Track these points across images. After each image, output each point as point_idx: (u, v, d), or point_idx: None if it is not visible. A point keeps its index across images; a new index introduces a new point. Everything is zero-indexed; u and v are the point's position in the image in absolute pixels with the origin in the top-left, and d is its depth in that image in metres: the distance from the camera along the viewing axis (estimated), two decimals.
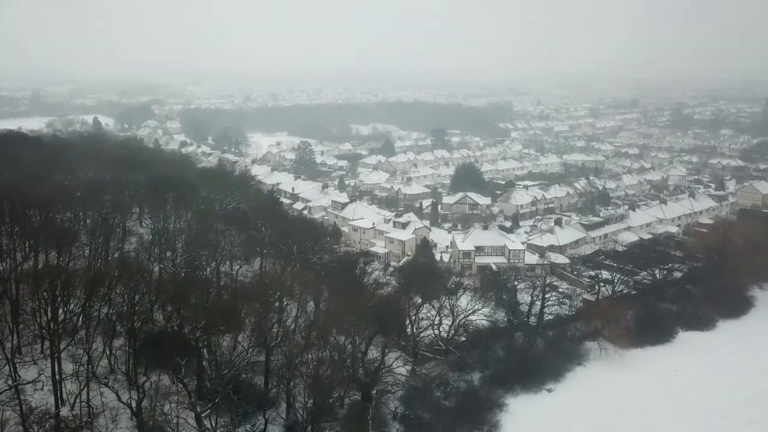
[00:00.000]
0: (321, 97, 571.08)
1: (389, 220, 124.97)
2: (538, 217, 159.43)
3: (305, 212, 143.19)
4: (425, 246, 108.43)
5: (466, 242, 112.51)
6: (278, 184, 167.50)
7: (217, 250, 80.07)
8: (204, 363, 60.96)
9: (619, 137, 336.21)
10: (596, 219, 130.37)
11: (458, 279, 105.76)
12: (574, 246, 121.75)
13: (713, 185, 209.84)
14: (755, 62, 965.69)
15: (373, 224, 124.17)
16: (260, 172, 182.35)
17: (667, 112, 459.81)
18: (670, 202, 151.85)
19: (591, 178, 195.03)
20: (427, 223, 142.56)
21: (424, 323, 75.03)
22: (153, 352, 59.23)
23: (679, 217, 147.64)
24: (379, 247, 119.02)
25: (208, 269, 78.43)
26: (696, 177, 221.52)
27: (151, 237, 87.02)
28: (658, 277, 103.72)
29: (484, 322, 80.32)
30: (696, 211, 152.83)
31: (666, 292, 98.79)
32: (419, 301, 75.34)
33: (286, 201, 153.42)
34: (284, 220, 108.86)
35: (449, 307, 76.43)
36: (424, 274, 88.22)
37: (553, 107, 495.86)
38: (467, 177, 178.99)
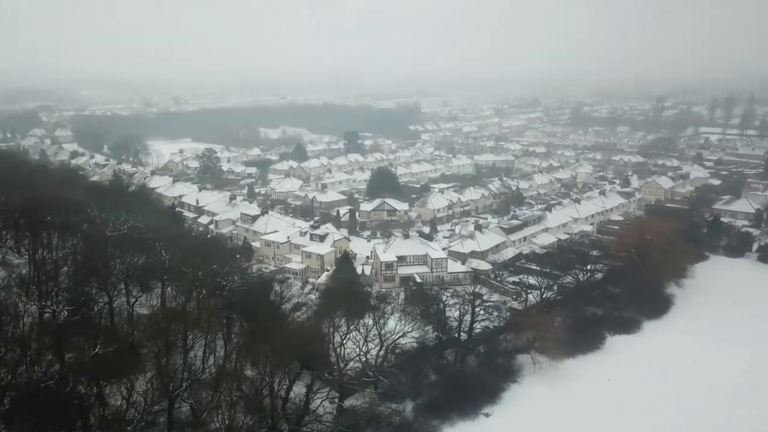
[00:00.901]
0: (227, 101, 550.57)
1: (305, 233, 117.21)
2: (455, 220, 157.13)
3: (212, 227, 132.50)
4: (346, 260, 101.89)
5: (387, 253, 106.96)
6: (181, 196, 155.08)
7: (108, 282, 69.55)
8: (92, 423, 51.24)
9: (525, 136, 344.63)
10: (515, 222, 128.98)
11: (382, 292, 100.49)
12: (495, 251, 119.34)
13: (617, 181, 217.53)
14: (642, 63, 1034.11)
15: (288, 238, 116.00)
16: (161, 183, 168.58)
17: (567, 111, 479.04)
18: (583, 201, 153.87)
19: (504, 178, 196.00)
20: (345, 232, 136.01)
21: (350, 351, 68.34)
22: (26, 416, 48.88)
23: (593, 216, 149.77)
24: (295, 263, 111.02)
25: (97, 306, 67.85)
26: (601, 174, 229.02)
27: (28, 270, 74.83)
28: (581, 280, 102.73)
29: (413, 343, 74.70)
30: (607, 209, 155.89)
31: (590, 296, 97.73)
32: (343, 328, 68.54)
33: (189, 215, 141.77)
34: (187, 239, 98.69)
35: (377, 331, 70.14)
36: (347, 294, 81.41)
37: (460, 108, 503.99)
38: (383, 182, 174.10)
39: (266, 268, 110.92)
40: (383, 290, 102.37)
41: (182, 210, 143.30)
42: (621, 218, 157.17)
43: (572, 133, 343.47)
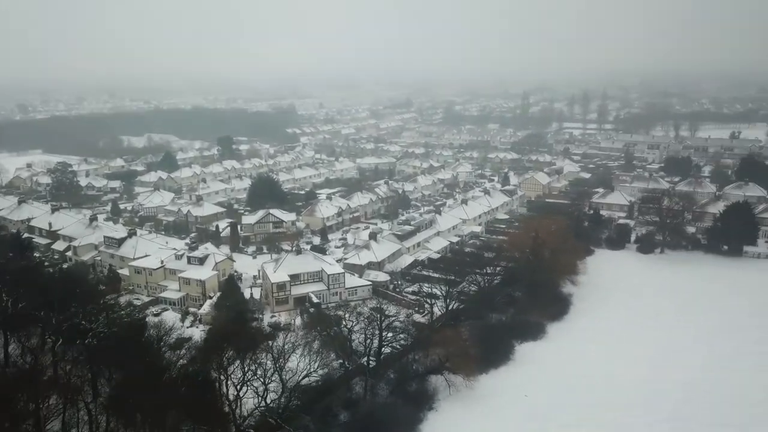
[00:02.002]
0: (83, 107, 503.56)
1: (182, 255, 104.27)
2: (345, 228, 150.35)
3: (69, 255, 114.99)
4: (231, 284, 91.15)
5: (278, 272, 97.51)
6: (30, 219, 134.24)
7: None
8: None
9: (402, 137, 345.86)
10: (408, 228, 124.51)
11: (276, 318, 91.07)
12: (392, 259, 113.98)
13: (496, 178, 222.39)
14: (507, 63, 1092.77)
15: (163, 262, 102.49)
16: (4, 205, 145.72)
17: (440, 111, 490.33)
18: (470, 201, 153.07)
19: (390, 182, 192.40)
20: (226, 249, 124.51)
21: (247, 398, 58.83)
22: None
23: (480, 216, 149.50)
24: (172, 291, 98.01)
25: None
26: (480, 172, 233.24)
27: None
28: (482, 285, 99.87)
29: (318, 380, 66.48)
30: (493, 208, 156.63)
31: (493, 302, 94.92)
32: (237, 372, 58.83)
33: (41, 242, 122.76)
34: (38, 273, 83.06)
35: (277, 373, 61.14)
36: (236, 330, 71.43)
37: (335, 110, 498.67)
38: (265, 190, 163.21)
39: (138, 300, 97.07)
40: (276, 315, 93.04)
41: (32, 236, 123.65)
42: (506, 216, 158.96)
43: (447, 132, 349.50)
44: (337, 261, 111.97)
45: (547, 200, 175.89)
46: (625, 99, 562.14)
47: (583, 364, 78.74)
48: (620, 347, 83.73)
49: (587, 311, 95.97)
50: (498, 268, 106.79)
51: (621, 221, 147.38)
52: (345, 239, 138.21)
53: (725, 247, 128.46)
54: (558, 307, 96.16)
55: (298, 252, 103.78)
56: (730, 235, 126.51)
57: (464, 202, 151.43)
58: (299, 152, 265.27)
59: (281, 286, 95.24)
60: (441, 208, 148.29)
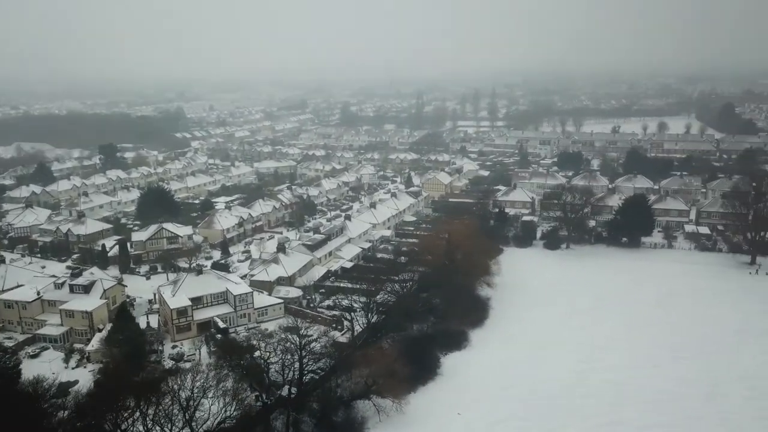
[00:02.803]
0: None
1: (63, 283, 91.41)
2: (247, 239, 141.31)
3: None
4: (124, 314, 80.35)
5: (177, 296, 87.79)
6: None
7: None
8: None
9: (301, 139, 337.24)
10: (319, 237, 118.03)
11: (178, 348, 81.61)
12: (303, 272, 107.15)
13: (398, 179, 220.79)
14: (397, 64, 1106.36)
15: (39, 294, 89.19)
16: None
17: (336, 111, 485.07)
18: (378, 205, 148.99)
19: (293, 186, 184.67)
20: (116, 271, 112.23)
21: None
22: None
23: (389, 219, 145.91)
24: (53, 327, 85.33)
25: None
26: (382, 173, 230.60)
27: None
28: (400, 293, 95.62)
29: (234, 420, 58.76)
30: (401, 210, 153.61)
31: (414, 311, 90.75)
32: (138, 426, 50.16)
33: None
34: None
35: (185, 422, 52.97)
36: (134, 365, 62.14)
37: (227, 112, 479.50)
38: (156, 202, 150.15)
39: (10, 339, 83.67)
40: (179, 345, 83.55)
41: None
42: (414, 218, 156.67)
43: (345, 133, 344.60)
44: (242, 278, 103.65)
45: (450, 200, 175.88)
46: (512, 97, 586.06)
47: (510, 372, 76.52)
48: (544, 351, 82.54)
49: (506, 314, 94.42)
50: (413, 274, 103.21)
51: (525, 218, 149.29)
52: (249, 252, 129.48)
53: (625, 240, 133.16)
54: (478, 312, 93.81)
55: (199, 272, 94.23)
56: (629, 228, 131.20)
57: (373, 205, 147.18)
58: (191, 158, 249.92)
59: (182, 312, 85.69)
60: (350, 213, 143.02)
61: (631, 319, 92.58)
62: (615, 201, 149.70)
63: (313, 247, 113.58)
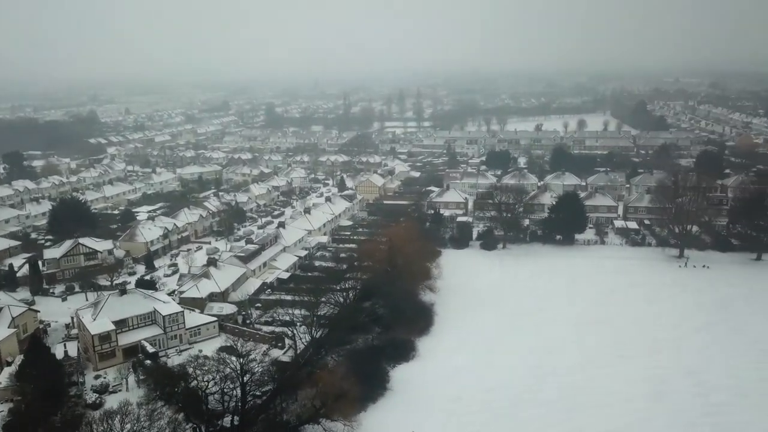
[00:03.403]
0: None
1: None
2: (174, 251, 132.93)
3: None
4: (37, 344, 71.69)
5: (99, 319, 79.89)
6: None
7: None
8: None
9: (225, 142, 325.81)
10: (252, 247, 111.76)
11: (102, 379, 73.99)
12: (237, 286, 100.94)
13: (330, 182, 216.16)
14: (320, 64, 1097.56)
15: None
16: None
17: (261, 113, 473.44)
18: (313, 210, 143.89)
19: (219, 193, 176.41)
20: (27, 293, 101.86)
21: None
22: None
23: (324, 225, 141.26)
24: None
25: None
26: (313, 176, 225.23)
27: None
28: (343, 303, 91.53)
29: None
30: (336, 215, 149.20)
31: (358, 322, 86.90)
32: None
33: None
34: None
35: None
36: (50, 403, 54.93)
37: (145, 115, 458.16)
38: (70, 214, 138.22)
39: None
40: (102, 374, 75.87)
41: None
42: (350, 222, 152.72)
43: (272, 135, 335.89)
44: (170, 294, 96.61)
45: (385, 202, 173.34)
46: (436, 97, 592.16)
47: (462, 383, 74.18)
48: (493, 357, 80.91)
49: (452, 320, 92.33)
50: (355, 283, 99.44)
51: (460, 219, 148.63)
52: (176, 265, 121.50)
53: (559, 237, 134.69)
54: (423, 319, 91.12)
55: (123, 291, 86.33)
56: (564, 226, 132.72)
57: (307, 211, 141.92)
58: (108, 165, 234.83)
59: (105, 337, 77.96)
60: (283, 220, 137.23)
61: (575, 319, 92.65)
62: (547, 199, 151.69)
63: (246, 259, 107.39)
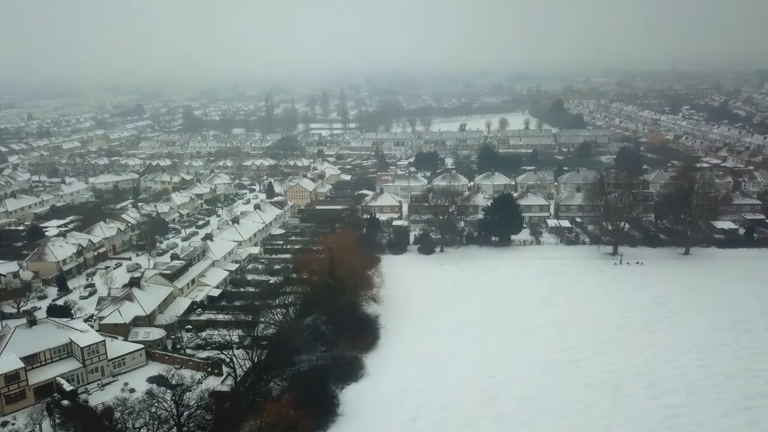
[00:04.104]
0: None
1: None
2: (90, 269, 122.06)
3: None
4: None
5: (4, 357, 70.18)
6: None
7: None
8: None
9: (141, 148, 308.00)
10: (178, 263, 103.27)
11: (13, 427, 64.80)
12: (164, 307, 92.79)
13: (257, 188, 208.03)
14: (240, 65, 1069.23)
15: None
16: None
17: (178, 116, 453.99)
18: (242, 219, 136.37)
19: (138, 204, 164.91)
20: None
21: None
22: None
23: (255, 234, 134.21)
24: None
25: None
26: (238, 182, 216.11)
27: None
28: (284, 320, 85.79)
29: None
30: (267, 223, 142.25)
31: (301, 341, 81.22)
32: None
33: None
34: None
35: None
36: None
37: (50, 121, 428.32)
38: None
39: None
40: (11, 420, 66.58)
41: None
42: (282, 231, 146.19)
43: (191, 139, 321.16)
44: (88, 320, 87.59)
45: (317, 207, 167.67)
46: (359, 98, 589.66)
47: (415, 401, 70.43)
48: (444, 370, 77.68)
49: (398, 332, 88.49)
50: (293, 297, 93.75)
51: (396, 223, 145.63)
52: (93, 285, 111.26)
53: (495, 239, 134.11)
54: (368, 333, 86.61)
55: (32, 322, 76.73)
56: (500, 227, 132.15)
57: (236, 220, 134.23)
58: (9, 176, 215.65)
59: (12, 377, 68.54)
60: (210, 231, 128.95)
61: (521, 324, 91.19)
62: (480, 200, 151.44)
63: (172, 276, 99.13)
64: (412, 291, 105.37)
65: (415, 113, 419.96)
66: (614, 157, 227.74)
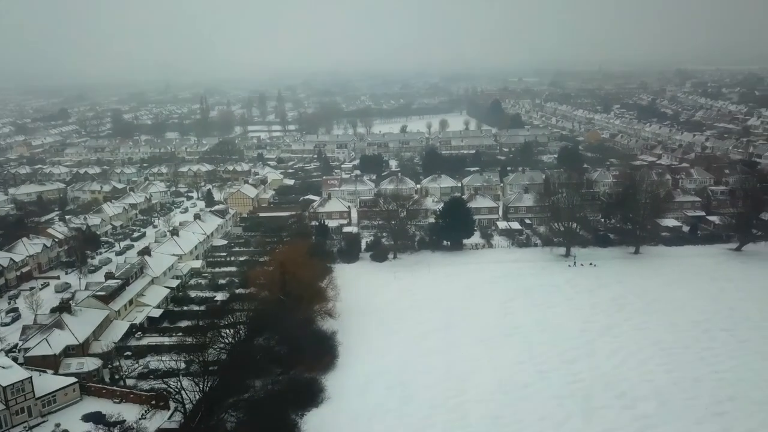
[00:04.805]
0: None
1: None
2: (12, 292, 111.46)
3: None
4: None
5: None
6: None
7: None
8: None
9: (67, 155, 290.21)
10: (113, 283, 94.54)
11: None
12: (100, 333, 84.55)
13: (195, 196, 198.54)
14: (170, 65, 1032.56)
15: None
16: None
17: (106, 121, 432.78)
18: (182, 231, 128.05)
19: (66, 216, 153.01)
20: None
21: None
22: None
23: (196, 247, 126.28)
24: None
25: None
26: (174, 189, 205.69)
27: None
28: (233, 342, 79.51)
29: None
30: (208, 234, 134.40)
31: (254, 363, 75.28)
32: None
33: None
34: None
35: None
36: None
37: None
38: None
39: None
40: None
41: None
42: (225, 241, 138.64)
43: (122, 145, 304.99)
44: (11, 353, 78.61)
45: (261, 214, 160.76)
46: (297, 99, 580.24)
47: (381, 427, 65.98)
48: (408, 389, 73.50)
49: (357, 350, 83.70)
50: (242, 315, 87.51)
51: (346, 229, 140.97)
52: (16, 310, 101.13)
53: (447, 243, 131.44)
54: (326, 352, 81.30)
55: None
56: (452, 231, 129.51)
57: (175, 232, 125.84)
58: None
59: None
60: (148, 245, 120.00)
61: (483, 333, 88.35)
62: (430, 203, 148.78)
63: (107, 298, 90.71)
64: (368, 302, 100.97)
65: (355, 114, 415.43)
66: (555, 156, 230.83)
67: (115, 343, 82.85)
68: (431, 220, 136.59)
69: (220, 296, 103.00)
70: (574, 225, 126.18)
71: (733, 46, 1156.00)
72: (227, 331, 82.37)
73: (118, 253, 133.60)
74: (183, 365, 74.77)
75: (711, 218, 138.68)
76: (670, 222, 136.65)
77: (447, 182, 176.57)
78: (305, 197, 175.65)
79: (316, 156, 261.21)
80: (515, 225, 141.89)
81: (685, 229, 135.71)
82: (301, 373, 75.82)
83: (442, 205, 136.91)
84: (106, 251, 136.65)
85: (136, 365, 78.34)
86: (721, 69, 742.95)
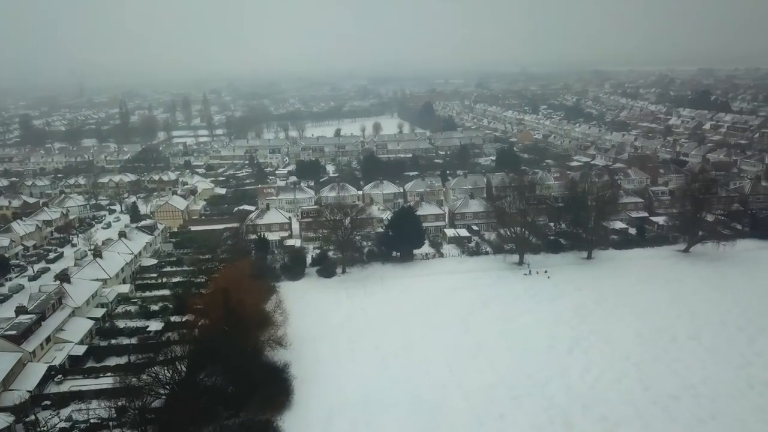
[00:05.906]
0: None
1: None
2: None
3: None
4: None
5: None
6: None
7: None
8: None
9: None
10: (25, 320, 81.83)
11: None
12: (11, 381, 72.57)
13: (117, 208, 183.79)
14: (87, 67, 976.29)
15: None
16: None
17: (13, 127, 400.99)
18: (105, 252, 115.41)
19: None
20: None
21: None
22: None
23: (123, 269, 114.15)
24: None
25: None
26: (94, 202, 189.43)
27: None
28: (172, 380, 69.88)
29: None
30: (136, 254, 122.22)
31: (200, 407, 66.12)
32: None
33: None
34: None
35: None
36: None
37: None
38: None
39: None
40: None
41: None
42: (154, 261, 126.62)
43: (33, 154, 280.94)
44: None
45: (192, 228, 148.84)
46: (222, 102, 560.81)
47: None
48: (375, 427, 66.64)
49: (314, 383, 75.81)
50: (183, 349, 77.75)
51: (288, 242, 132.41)
52: None
53: (397, 254, 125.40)
54: (280, 388, 72.77)
55: None
56: (402, 242, 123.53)
57: (98, 254, 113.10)
58: None
59: None
60: (66, 269, 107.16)
61: (446, 353, 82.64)
62: (376, 212, 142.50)
63: (19, 337, 78.53)
64: (320, 325, 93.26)
65: (285, 118, 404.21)
66: (493, 158, 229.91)
67: (29, 391, 71.21)
68: (379, 229, 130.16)
69: (153, 326, 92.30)
70: (524, 230, 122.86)
71: (642, 46, 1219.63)
72: (164, 368, 72.63)
73: (32, 279, 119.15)
74: (114, 414, 64.80)
75: (654, 219, 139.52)
76: (617, 224, 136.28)
77: (390, 188, 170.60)
78: (240, 207, 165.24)
79: (247, 162, 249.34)
80: (463, 232, 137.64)
81: (632, 231, 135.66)
82: (253, 415, 67.39)
83: (388, 213, 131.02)
84: (16, 276, 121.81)
85: (57, 418, 67.32)
86: (634, 70, 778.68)
